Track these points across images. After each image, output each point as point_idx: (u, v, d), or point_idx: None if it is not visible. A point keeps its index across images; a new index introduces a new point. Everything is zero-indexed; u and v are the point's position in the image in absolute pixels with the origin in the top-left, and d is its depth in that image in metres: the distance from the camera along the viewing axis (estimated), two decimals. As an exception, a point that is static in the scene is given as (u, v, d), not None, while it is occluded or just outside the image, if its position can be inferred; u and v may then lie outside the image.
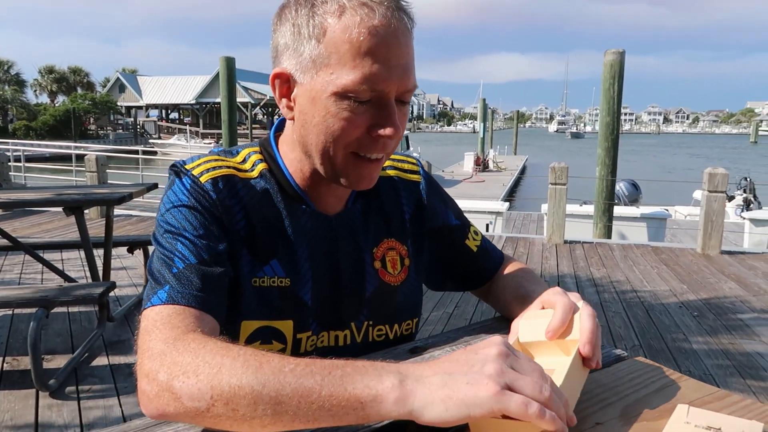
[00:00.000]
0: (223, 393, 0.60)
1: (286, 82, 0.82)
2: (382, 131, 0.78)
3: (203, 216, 0.81)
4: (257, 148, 0.93)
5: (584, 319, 0.76)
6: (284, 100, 0.84)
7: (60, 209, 3.62)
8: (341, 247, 0.92)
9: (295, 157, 0.89)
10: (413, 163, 1.06)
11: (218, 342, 0.66)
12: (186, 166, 0.86)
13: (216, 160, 0.88)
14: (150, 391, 0.64)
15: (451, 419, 0.56)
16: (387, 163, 1.02)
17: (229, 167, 0.88)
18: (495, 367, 0.57)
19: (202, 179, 0.84)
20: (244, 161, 0.90)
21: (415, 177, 1.04)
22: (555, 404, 0.58)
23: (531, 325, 0.80)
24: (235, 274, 0.84)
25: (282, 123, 0.94)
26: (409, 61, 0.79)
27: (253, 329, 0.86)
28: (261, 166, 0.90)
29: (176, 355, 0.65)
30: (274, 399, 0.59)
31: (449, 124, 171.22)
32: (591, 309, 0.78)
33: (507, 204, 9.27)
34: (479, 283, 1.09)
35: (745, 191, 11.59)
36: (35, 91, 54.44)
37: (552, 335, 0.76)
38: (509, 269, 1.07)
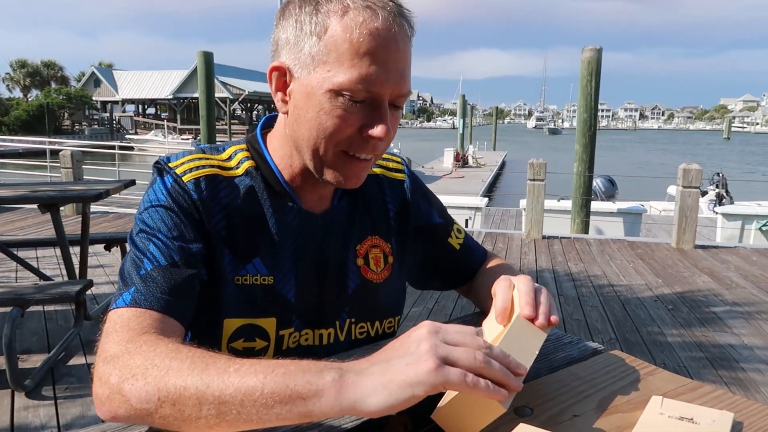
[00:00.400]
0: (169, 395, 0.62)
1: (283, 76, 0.83)
2: (372, 131, 0.79)
3: (179, 217, 0.82)
4: (244, 146, 0.93)
5: (520, 285, 0.81)
6: (280, 94, 0.85)
7: (35, 206, 3.56)
8: (327, 244, 0.92)
9: (285, 153, 0.90)
10: (398, 162, 1.07)
11: (169, 344, 0.68)
12: (170, 164, 0.86)
13: (200, 158, 0.88)
14: (102, 394, 0.66)
15: (397, 402, 0.56)
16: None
17: (213, 166, 0.88)
18: (429, 343, 0.58)
19: (185, 178, 0.84)
20: (229, 159, 0.91)
21: (400, 176, 1.05)
22: (491, 369, 0.59)
23: (491, 323, 0.81)
24: (216, 273, 0.85)
25: (268, 120, 0.95)
26: (405, 66, 0.80)
27: (235, 327, 0.86)
28: (247, 164, 0.90)
29: (128, 358, 0.66)
30: (218, 399, 0.60)
31: (429, 120, 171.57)
32: (527, 276, 0.83)
33: (486, 200, 9.34)
34: (462, 281, 1.11)
35: (717, 186, 11.83)
36: (8, 85, 53.25)
37: (501, 318, 0.78)
38: (489, 265, 1.09)
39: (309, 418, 0.59)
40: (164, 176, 0.85)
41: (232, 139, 1.01)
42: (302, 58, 0.80)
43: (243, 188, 0.88)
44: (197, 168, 0.86)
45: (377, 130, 0.79)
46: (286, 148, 0.89)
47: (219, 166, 0.88)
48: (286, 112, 0.85)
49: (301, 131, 0.83)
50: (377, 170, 1.03)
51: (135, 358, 0.66)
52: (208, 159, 0.89)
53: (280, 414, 0.59)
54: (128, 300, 0.75)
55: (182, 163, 0.86)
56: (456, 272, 1.10)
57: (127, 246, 0.84)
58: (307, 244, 0.91)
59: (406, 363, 0.57)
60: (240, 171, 0.89)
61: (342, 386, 0.58)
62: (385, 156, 1.06)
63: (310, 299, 0.91)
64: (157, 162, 0.88)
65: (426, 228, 1.05)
